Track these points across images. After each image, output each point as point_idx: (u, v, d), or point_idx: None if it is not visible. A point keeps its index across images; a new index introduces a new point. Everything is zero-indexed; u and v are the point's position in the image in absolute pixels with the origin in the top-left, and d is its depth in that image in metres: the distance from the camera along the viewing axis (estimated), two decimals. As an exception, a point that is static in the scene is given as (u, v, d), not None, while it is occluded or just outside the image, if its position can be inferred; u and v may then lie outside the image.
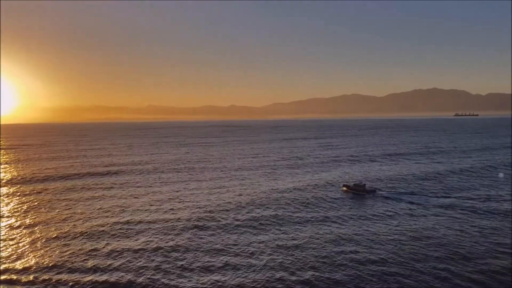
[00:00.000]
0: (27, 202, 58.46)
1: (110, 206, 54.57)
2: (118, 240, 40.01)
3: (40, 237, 41.66)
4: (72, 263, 34.26)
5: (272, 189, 63.66)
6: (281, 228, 42.70)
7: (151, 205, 54.69)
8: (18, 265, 34.09)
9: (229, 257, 34.57)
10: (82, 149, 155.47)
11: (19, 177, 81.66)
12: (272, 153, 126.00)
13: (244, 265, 32.84)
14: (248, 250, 36.08)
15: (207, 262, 33.68)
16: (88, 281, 30.66)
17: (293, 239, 38.91)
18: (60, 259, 35.02)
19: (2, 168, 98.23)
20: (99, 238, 40.98)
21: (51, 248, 37.96)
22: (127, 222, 46.26)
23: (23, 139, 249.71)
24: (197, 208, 51.88)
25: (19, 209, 54.50)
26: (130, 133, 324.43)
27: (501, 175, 72.83)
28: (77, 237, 41.42)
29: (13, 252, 37.30)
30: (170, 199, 58.32)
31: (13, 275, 31.98)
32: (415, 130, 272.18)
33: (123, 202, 57.27)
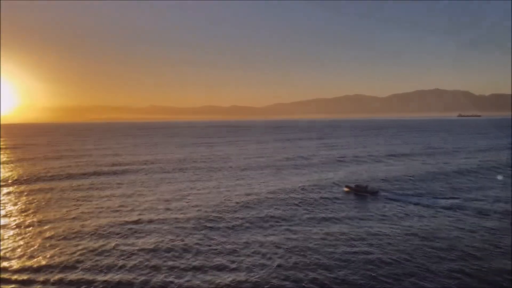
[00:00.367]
0: (35, 201, 58.41)
1: (118, 206, 54.49)
2: (129, 240, 39.91)
3: (49, 236, 41.57)
4: (84, 263, 34.15)
5: (279, 189, 63.49)
6: (292, 229, 42.52)
7: (160, 204, 54.58)
8: (31, 264, 34.02)
9: (242, 258, 34.42)
10: (87, 148, 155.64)
11: (26, 176, 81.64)
12: (276, 153, 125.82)
13: (258, 266, 32.68)
14: (261, 251, 35.91)
15: (220, 263, 33.53)
16: (101, 281, 30.53)
17: (305, 240, 38.75)
18: (71, 259, 34.91)
19: (8, 167, 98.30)
20: (109, 237, 40.89)
21: (62, 248, 37.87)
22: (137, 222, 46.17)
23: (25, 138, 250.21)
24: (206, 208, 51.74)
25: (27, 208, 54.43)
26: (133, 133, 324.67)
27: (499, 177, 72.32)
28: (87, 236, 41.34)
29: (24, 252, 37.24)
30: (178, 198, 58.20)
31: (24, 276, 31.89)
32: (418, 131, 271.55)
33: (131, 201, 57.18)
